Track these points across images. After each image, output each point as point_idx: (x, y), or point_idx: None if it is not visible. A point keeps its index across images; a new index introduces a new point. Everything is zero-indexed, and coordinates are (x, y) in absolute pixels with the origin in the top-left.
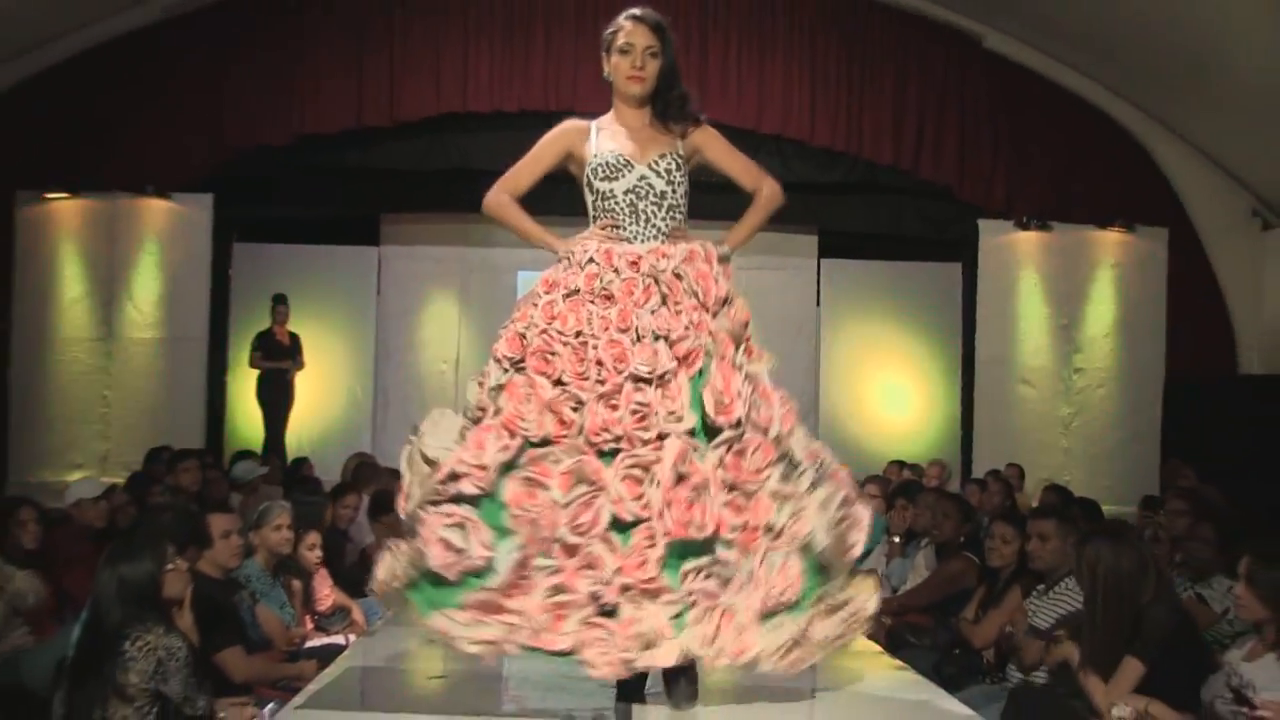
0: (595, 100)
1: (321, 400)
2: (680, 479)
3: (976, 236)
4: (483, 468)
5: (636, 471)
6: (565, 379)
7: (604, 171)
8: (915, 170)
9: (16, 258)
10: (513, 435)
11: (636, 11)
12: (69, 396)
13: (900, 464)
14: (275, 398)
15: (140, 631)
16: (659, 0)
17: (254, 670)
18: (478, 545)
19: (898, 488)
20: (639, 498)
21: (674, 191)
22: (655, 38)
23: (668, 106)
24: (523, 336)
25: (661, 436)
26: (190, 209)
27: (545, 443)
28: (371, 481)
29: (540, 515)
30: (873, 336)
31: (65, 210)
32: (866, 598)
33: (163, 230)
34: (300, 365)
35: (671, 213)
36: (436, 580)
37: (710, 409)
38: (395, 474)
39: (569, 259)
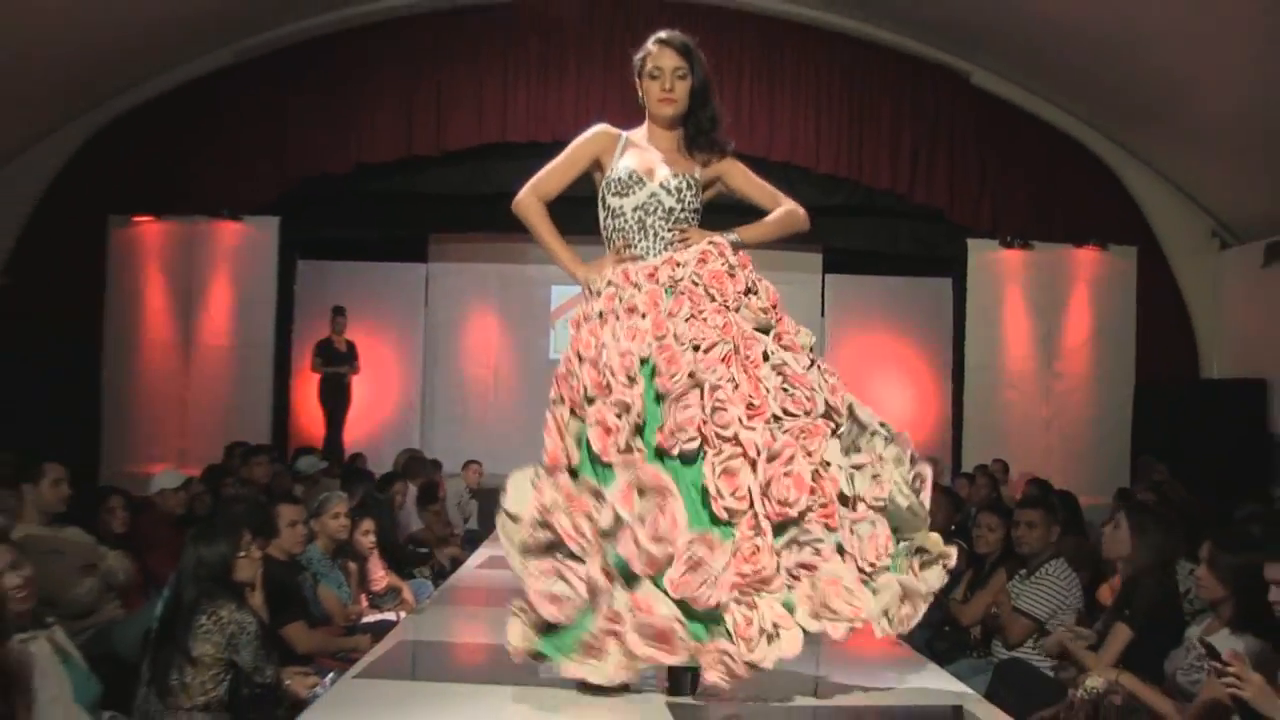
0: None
1: (375, 401)
2: (772, 457)
3: (965, 254)
4: (551, 511)
5: (732, 464)
6: (590, 393)
7: (616, 187)
8: (910, 194)
9: (109, 274)
10: (560, 472)
11: (663, 35)
12: (152, 397)
13: None
14: (334, 399)
15: (215, 607)
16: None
17: (315, 643)
18: (579, 582)
19: None
20: (735, 491)
21: (683, 208)
22: (683, 59)
23: (699, 131)
24: (562, 376)
25: (736, 436)
26: (259, 230)
27: (593, 461)
28: (419, 473)
29: (618, 541)
30: (872, 345)
31: (151, 232)
32: (948, 546)
33: (235, 249)
34: (356, 370)
35: (679, 224)
36: (554, 628)
37: (742, 414)
38: (440, 467)
39: (588, 288)
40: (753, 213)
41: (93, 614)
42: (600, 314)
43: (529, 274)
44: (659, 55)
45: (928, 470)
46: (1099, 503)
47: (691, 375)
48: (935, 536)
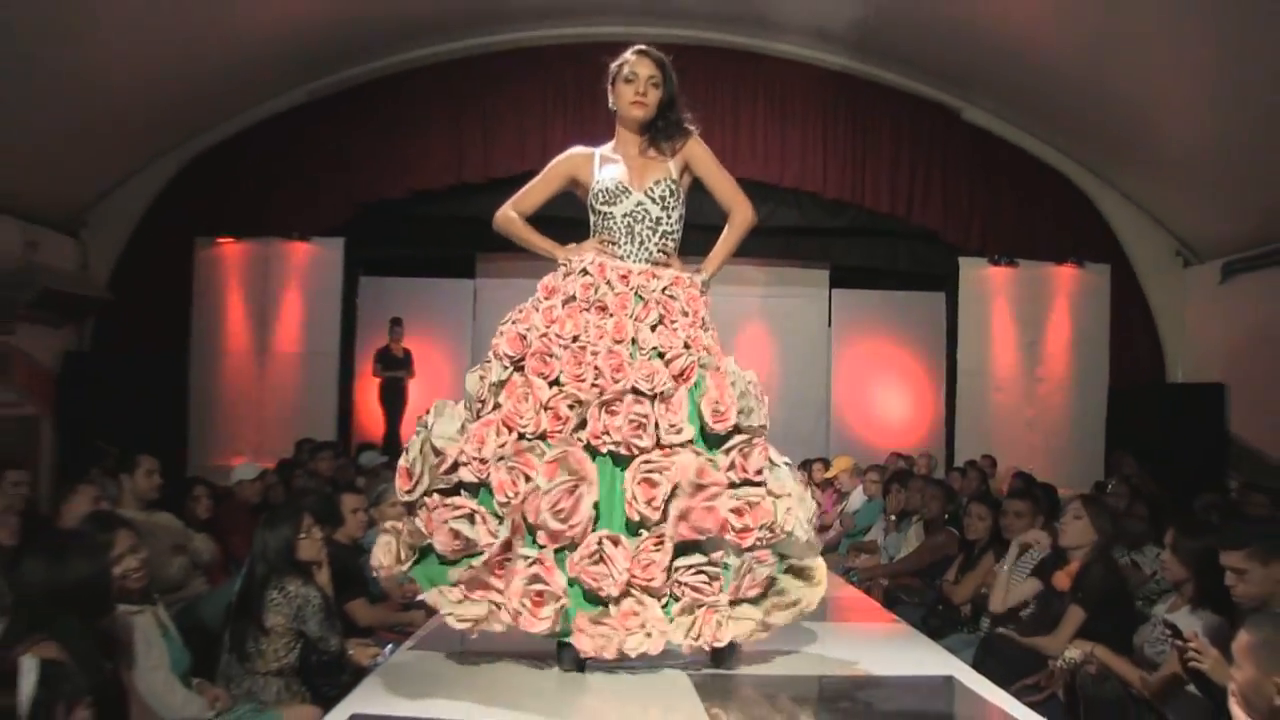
0: None
1: (429, 403)
2: (698, 489)
3: (957, 271)
4: (483, 461)
5: (653, 475)
6: (562, 380)
7: (604, 197)
8: (908, 217)
9: (195, 289)
10: (510, 431)
11: (641, 46)
12: (232, 398)
13: (897, 455)
14: (392, 401)
15: (282, 582)
16: (702, 75)
17: (375, 617)
18: (485, 534)
19: (893, 475)
20: (650, 500)
21: (668, 217)
22: (657, 69)
23: (657, 131)
24: (523, 337)
25: (661, 445)
26: (326, 250)
27: (540, 437)
28: None
29: (525, 501)
30: (874, 352)
31: (232, 252)
32: (813, 597)
33: (304, 267)
34: (412, 375)
35: (665, 239)
36: (426, 556)
37: (708, 417)
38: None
39: (565, 265)
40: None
41: (182, 589)
42: (574, 297)
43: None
44: (636, 63)
45: (813, 507)
46: (1077, 494)
47: (632, 387)
48: (810, 588)
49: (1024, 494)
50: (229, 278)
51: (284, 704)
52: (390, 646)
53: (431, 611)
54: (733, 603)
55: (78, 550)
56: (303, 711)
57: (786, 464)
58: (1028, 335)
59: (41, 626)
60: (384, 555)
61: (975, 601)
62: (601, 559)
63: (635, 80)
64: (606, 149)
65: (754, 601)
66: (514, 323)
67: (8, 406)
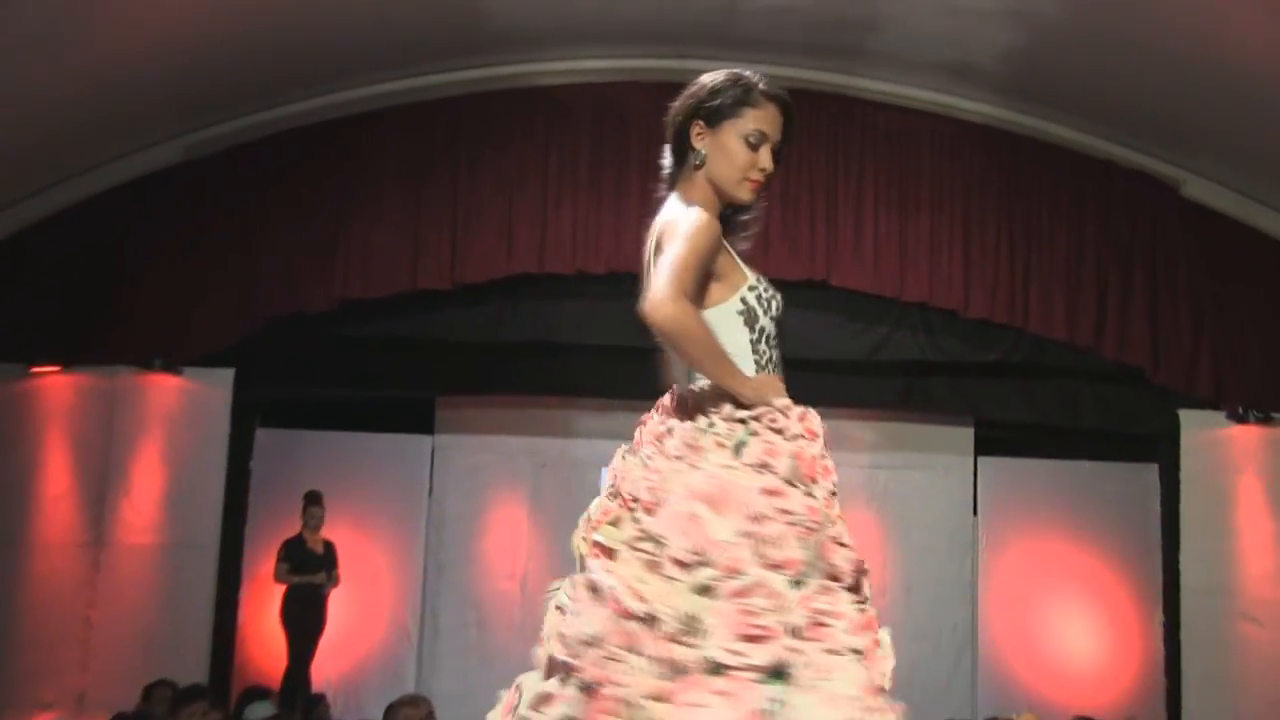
0: None
1: (358, 624)
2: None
3: (1177, 430)
4: None
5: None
6: None
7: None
8: (1096, 348)
9: None
10: None
11: (777, 90)
12: (45, 616)
13: None
14: (304, 618)
15: None
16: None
17: None
18: None
19: None
20: (562, 635)
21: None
22: (789, 130)
23: (746, 217)
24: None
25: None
26: (205, 387)
27: None
28: None
29: None
30: (1045, 554)
31: (54, 387)
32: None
33: (171, 412)
34: (335, 580)
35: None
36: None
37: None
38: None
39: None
40: None
41: None
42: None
43: (570, 451)
44: (770, 117)
45: None
46: None
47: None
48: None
49: None
50: (48, 427)
51: None
52: None
53: None
54: None
55: None
56: None
57: None
58: None
59: None
60: None
61: None
62: None
63: (761, 144)
64: None
65: None
66: None
67: None
